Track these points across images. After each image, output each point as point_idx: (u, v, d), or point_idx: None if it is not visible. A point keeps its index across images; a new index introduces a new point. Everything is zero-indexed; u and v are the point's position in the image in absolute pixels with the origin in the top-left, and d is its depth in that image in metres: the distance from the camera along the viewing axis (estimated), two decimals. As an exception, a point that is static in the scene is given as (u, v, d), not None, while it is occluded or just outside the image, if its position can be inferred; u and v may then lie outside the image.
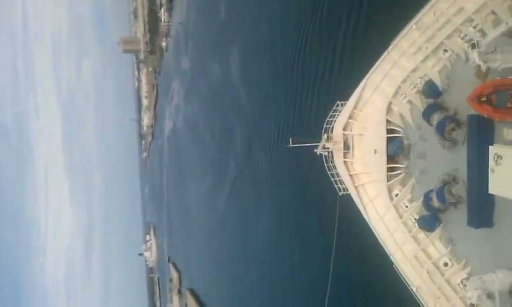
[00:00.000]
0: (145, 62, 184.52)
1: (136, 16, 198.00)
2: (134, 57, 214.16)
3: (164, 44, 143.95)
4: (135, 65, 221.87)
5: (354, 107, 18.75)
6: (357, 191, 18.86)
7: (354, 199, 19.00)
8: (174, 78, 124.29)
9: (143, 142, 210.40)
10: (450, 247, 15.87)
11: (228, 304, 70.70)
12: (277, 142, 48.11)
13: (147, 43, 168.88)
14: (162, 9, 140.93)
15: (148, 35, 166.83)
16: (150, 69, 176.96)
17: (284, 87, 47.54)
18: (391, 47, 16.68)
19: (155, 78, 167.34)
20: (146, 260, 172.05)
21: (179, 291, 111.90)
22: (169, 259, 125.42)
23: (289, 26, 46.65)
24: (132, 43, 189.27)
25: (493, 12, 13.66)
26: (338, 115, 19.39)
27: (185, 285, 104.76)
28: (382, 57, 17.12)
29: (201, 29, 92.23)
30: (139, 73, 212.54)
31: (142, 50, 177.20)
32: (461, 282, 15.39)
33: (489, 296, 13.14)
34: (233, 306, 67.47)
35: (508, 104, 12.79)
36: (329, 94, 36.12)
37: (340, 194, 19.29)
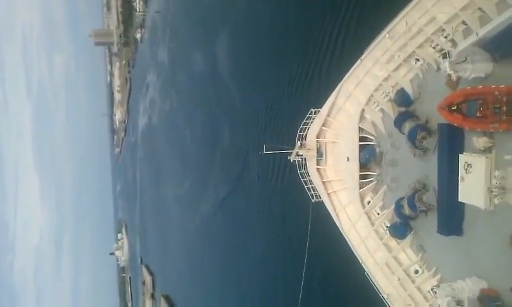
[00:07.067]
0: (118, 55, 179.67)
1: (108, 8, 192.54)
2: (106, 50, 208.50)
3: (138, 35, 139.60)
4: (107, 58, 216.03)
5: (328, 115, 18.75)
6: (330, 198, 18.88)
7: (326, 206, 18.98)
8: (149, 72, 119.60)
9: (115, 137, 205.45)
10: (421, 255, 16.04)
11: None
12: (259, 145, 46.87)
13: (120, 36, 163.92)
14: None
15: (121, 27, 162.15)
16: (124, 62, 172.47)
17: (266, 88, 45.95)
18: (364, 55, 16.68)
19: (129, 72, 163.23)
20: (117, 259, 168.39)
21: (152, 296, 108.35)
22: (141, 261, 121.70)
23: (273, 26, 45.40)
24: (104, 36, 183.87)
25: (463, 22, 13.74)
26: (311, 122, 19.33)
27: (159, 290, 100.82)
28: (355, 65, 17.11)
29: (182, 16, 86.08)
30: (111, 67, 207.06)
31: (115, 43, 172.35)
32: (432, 289, 15.58)
33: (459, 303, 13.31)
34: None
35: (478, 113, 12.82)
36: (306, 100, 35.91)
37: (313, 201, 19.26)
